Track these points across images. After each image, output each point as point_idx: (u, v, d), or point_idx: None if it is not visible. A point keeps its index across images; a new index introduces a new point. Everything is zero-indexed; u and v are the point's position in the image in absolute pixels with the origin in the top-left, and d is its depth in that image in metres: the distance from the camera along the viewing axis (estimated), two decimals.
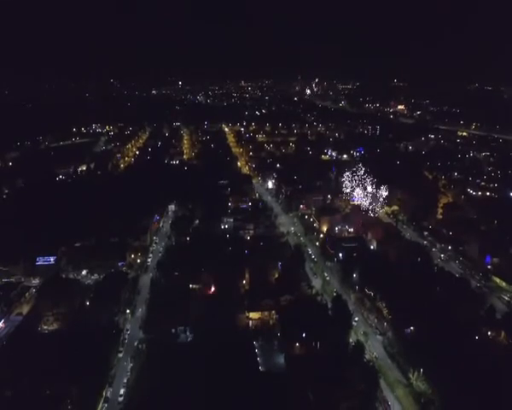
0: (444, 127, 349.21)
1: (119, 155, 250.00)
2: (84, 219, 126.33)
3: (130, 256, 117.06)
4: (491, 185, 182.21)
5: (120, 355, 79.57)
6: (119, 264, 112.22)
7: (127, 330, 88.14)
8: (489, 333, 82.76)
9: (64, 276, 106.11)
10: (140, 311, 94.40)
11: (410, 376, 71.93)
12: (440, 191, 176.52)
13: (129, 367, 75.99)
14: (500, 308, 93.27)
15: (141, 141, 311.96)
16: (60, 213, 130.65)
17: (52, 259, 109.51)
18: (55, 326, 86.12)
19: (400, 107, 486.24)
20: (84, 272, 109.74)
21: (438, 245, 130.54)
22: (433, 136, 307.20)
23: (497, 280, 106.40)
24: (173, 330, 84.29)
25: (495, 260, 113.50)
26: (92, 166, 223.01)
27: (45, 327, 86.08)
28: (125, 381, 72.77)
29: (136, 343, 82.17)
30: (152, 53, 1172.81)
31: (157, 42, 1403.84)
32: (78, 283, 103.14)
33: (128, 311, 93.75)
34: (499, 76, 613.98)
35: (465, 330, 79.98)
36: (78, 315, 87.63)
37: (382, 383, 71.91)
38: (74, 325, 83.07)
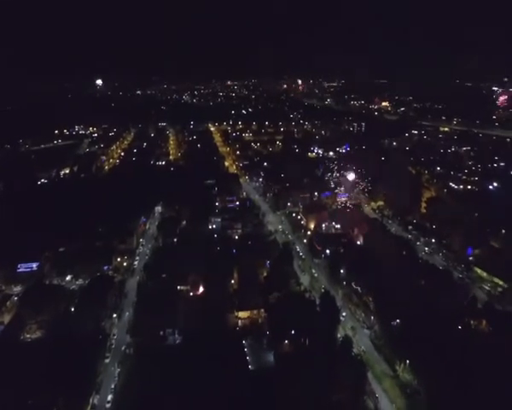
0: (427, 123, 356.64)
1: (103, 157, 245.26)
2: (68, 223, 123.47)
3: (116, 260, 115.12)
4: (472, 179, 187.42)
5: (107, 361, 78.16)
6: (105, 268, 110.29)
7: (114, 334, 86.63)
8: (471, 322, 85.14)
9: (47, 282, 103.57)
10: (127, 315, 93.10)
11: (397, 367, 73.48)
12: (424, 186, 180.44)
13: (116, 373, 74.80)
14: (481, 298, 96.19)
15: (126, 142, 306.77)
16: (42, 218, 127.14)
17: (34, 265, 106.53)
18: (38, 334, 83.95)
19: (384, 104, 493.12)
20: (68, 278, 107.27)
21: (422, 239, 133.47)
22: (416, 132, 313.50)
23: (478, 271, 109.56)
24: (161, 333, 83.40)
25: (476, 251, 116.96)
26: (76, 168, 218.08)
27: (28, 336, 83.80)
28: (113, 387, 71.63)
29: (123, 348, 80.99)
30: (136, 53, 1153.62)
31: (141, 41, 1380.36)
32: (63, 289, 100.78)
33: (115, 315, 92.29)
34: (479, 73, 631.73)
35: (449, 321, 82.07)
36: (62, 322, 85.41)
37: (370, 376, 73.07)
38: (59, 332, 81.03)
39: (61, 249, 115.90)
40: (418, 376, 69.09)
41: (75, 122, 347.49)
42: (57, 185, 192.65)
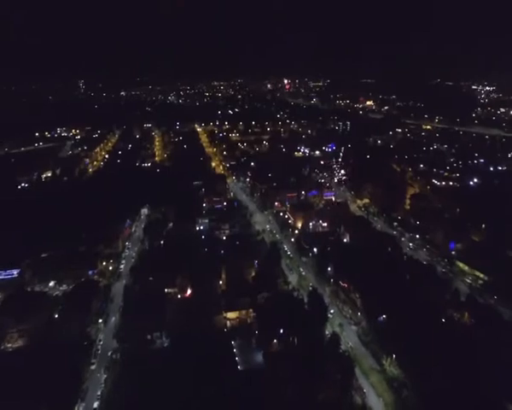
0: (410, 121, 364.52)
1: (86, 160, 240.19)
2: (51, 228, 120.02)
3: (101, 264, 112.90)
4: (454, 175, 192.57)
5: (93, 367, 76.55)
6: (90, 272, 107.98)
7: (100, 340, 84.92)
8: (454, 315, 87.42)
9: (29, 289, 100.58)
10: (113, 320, 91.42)
11: (384, 362, 74.66)
12: (408, 183, 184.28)
13: (102, 379, 73.35)
14: (464, 291, 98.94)
15: (110, 144, 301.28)
16: (23, 224, 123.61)
17: (15, 272, 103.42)
18: (20, 343, 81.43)
19: (369, 103, 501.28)
20: (51, 284, 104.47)
21: (406, 235, 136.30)
22: (400, 130, 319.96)
23: (461, 264, 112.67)
24: (149, 337, 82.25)
25: (458, 245, 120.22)
26: (58, 172, 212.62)
27: (9, 345, 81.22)
28: (99, 394, 70.14)
29: (109, 353, 79.46)
30: (120, 53, 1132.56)
31: (126, 42, 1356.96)
32: (46, 295, 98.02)
33: (100, 320, 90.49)
34: (459, 72, 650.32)
35: (433, 314, 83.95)
36: (46, 329, 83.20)
37: (357, 372, 73.98)
38: (42, 339, 78.86)
39: (44, 255, 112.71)
40: (404, 369, 70.43)
41: (57, 124, 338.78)
42: (39, 189, 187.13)
